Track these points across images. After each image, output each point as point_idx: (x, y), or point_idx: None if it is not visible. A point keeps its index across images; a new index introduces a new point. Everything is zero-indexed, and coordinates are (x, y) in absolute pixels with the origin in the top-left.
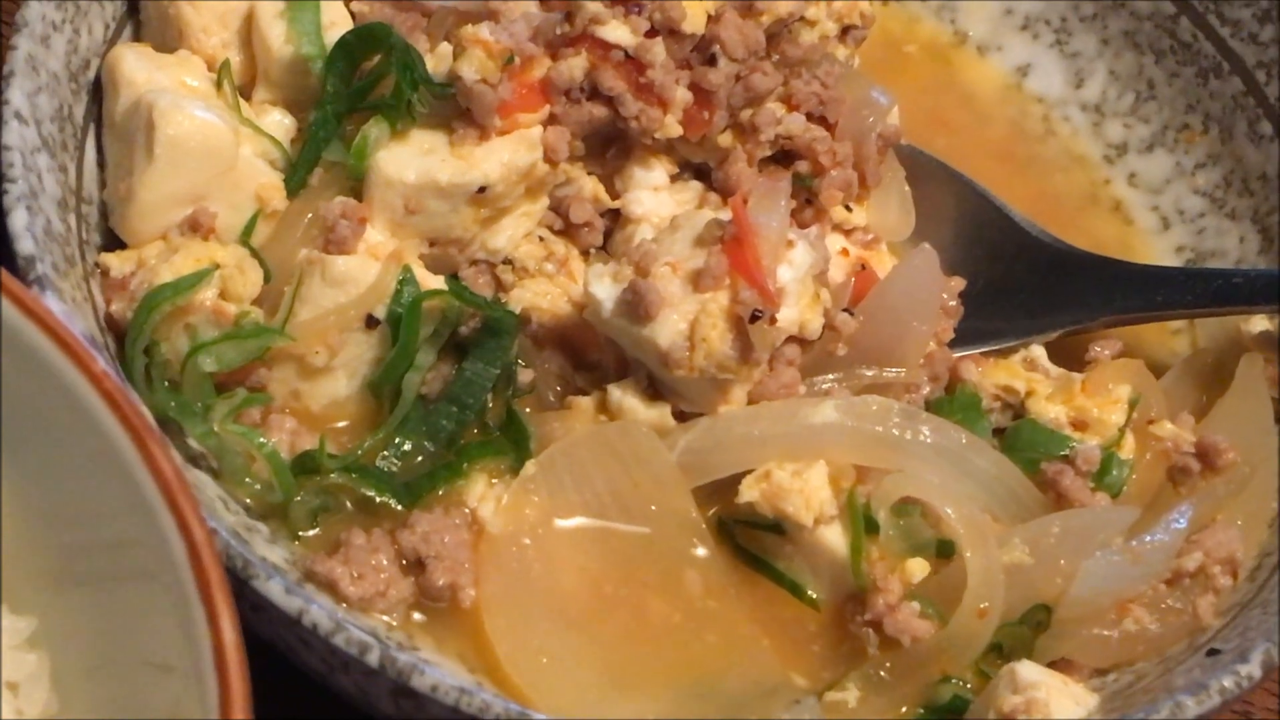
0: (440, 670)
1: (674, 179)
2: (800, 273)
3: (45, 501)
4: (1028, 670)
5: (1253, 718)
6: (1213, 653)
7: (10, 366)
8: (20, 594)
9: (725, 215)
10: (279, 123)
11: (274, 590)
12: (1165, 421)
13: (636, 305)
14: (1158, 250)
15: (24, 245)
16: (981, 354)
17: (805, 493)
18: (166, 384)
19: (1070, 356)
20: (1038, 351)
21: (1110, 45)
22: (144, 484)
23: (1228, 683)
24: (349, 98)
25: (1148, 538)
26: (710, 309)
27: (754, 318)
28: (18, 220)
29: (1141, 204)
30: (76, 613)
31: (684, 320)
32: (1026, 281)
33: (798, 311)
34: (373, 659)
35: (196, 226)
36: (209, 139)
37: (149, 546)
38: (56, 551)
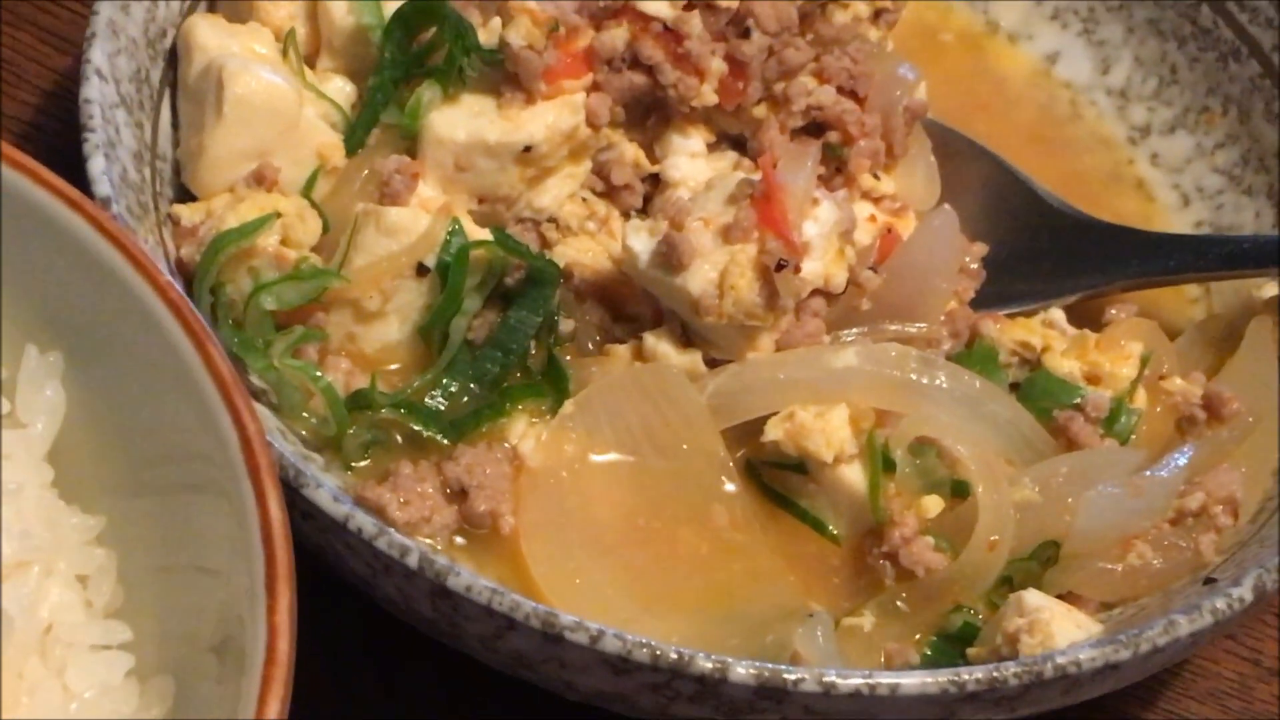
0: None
1: (711, 148)
2: (825, 228)
3: (119, 414)
4: (1033, 597)
5: (1262, 664)
6: (1209, 581)
7: (88, 283)
8: (91, 496)
9: (756, 176)
10: (340, 89)
11: (322, 498)
12: (1176, 377)
13: (670, 256)
14: (1177, 225)
15: (100, 188)
16: (1003, 315)
17: (826, 432)
18: (230, 323)
19: (1089, 321)
20: (1057, 314)
21: (1135, 33)
22: (203, 384)
23: (1220, 604)
24: (405, 64)
25: (1148, 473)
26: (739, 259)
27: (779, 266)
28: (95, 166)
29: (1163, 182)
30: (144, 517)
31: (714, 270)
32: (1048, 249)
33: (823, 265)
34: (412, 561)
35: (261, 179)
36: (274, 99)
37: (212, 458)
38: (126, 460)
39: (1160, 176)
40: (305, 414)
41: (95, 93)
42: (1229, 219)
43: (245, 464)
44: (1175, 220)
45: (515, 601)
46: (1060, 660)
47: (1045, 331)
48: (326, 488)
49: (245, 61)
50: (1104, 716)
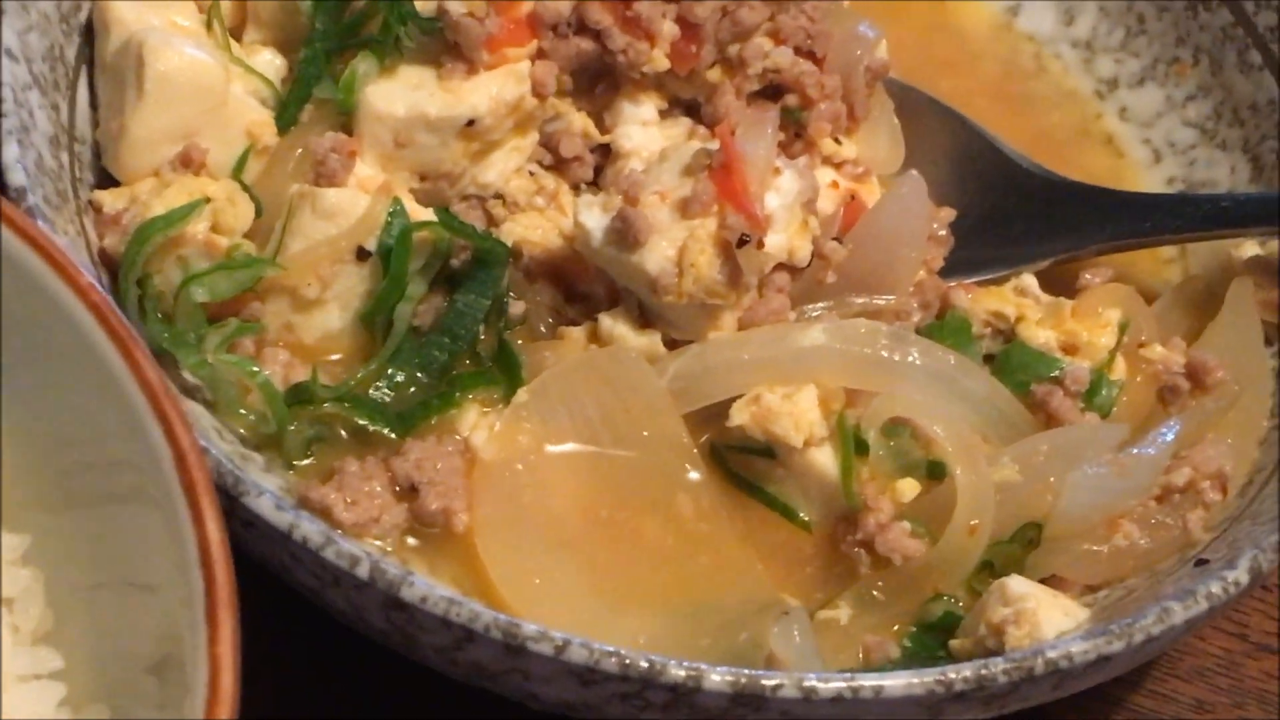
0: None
1: (663, 114)
2: (788, 200)
3: (41, 423)
4: (1017, 584)
5: (1249, 639)
6: (1201, 563)
7: (4, 286)
8: (15, 512)
9: (713, 146)
10: (269, 62)
11: (264, 506)
12: (1156, 344)
13: (625, 233)
14: (1149, 182)
15: (15, 177)
16: (973, 283)
17: (795, 415)
18: (160, 316)
19: (1062, 286)
20: (1029, 280)
21: None
22: (131, 394)
23: (1215, 589)
24: (338, 35)
25: (1134, 450)
26: (698, 235)
27: (741, 242)
28: (9, 153)
29: (1133, 137)
30: (72, 533)
31: (672, 247)
32: (1017, 212)
33: (786, 238)
34: (362, 571)
35: (188, 162)
36: (199, 75)
37: (142, 467)
38: (52, 473)
39: (1130, 131)
40: (242, 411)
41: (6, 74)
42: (1202, 175)
43: (179, 480)
44: (1146, 177)
45: (474, 611)
46: (1051, 654)
47: (1018, 300)
48: (269, 495)
49: (167, 36)
50: (1086, 698)
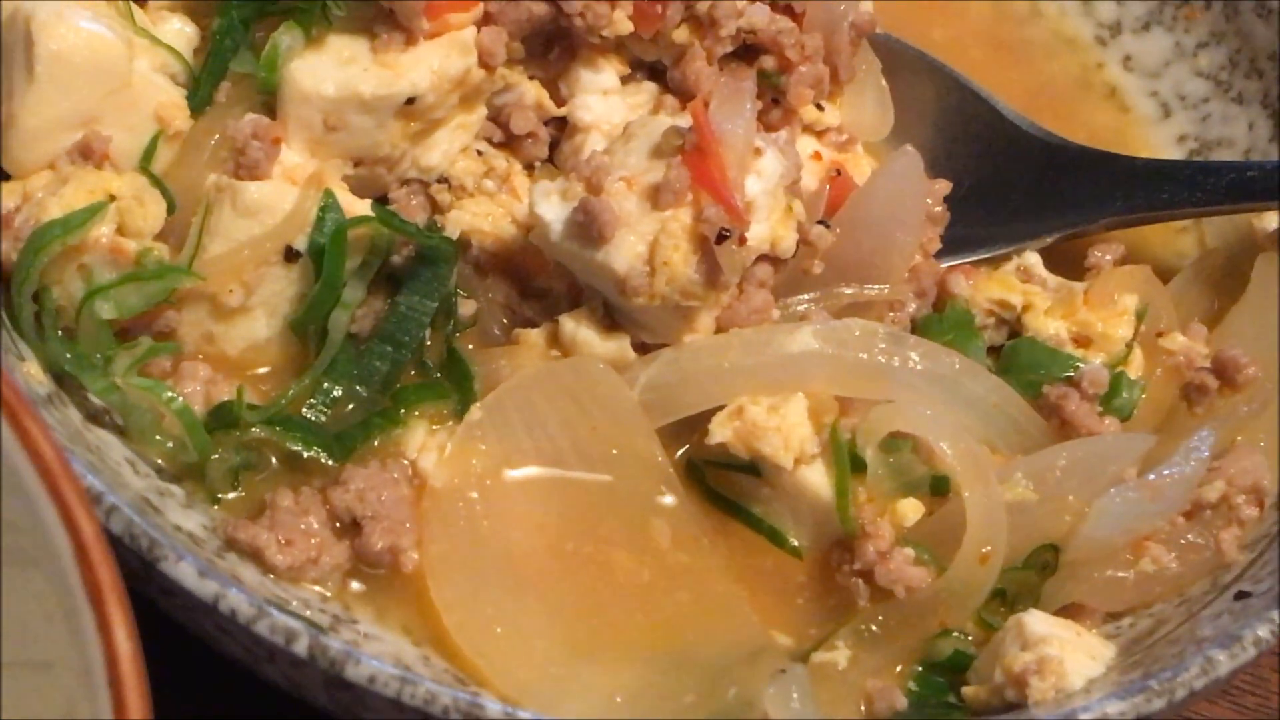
0: (379, 652)
1: (625, 81)
2: (770, 184)
3: None
4: (1036, 622)
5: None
6: (1241, 595)
7: None
8: None
9: (684, 121)
10: (179, 31)
11: (185, 573)
12: (1176, 333)
13: (588, 226)
14: (1158, 140)
15: None
16: (972, 264)
17: (783, 430)
18: (60, 334)
19: (1069, 263)
20: (1033, 259)
21: None
22: (22, 470)
23: (1263, 632)
24: (257, 0)
25: (1166, 471)
26: (671, 229)
27: (721, 237)
28: None
29: (1139, 89)
30: None
31: (642, 242)
32: (1018, 181)
33: (769, 227)
34: (300, 648)
35: (88, 153)
36: (97, 53)
37: (30, 532)
38: None
39: (1135, 82)
40: (159, 437)
41: None
42: (1217, 131)
43: (81, 578)
44: (1155, 134)
45: (430, 692)
46: (1085, 718)
47: (1024, 286)
48: (189, 560)
49: (59, 7)
50: None
